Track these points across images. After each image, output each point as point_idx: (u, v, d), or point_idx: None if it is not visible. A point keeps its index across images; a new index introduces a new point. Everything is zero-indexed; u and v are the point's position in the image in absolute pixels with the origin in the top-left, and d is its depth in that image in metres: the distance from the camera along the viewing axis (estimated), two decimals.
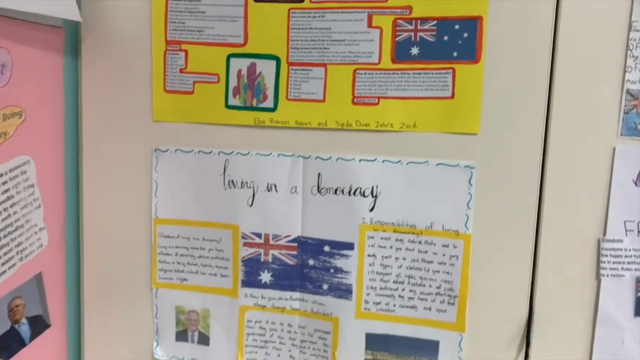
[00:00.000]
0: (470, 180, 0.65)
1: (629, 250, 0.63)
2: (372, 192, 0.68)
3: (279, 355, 0.74)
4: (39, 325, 0.69)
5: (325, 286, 0.71)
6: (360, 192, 0.68)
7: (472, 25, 0.63)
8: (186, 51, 0.71)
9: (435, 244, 0.67)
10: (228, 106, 0.71)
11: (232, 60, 0.70)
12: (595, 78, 0.61)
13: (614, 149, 0.61)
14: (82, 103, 0.75)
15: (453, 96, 0.64)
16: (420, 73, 0.65)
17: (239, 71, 0.70)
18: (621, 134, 0.61)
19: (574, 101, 0.61)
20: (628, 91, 0.60)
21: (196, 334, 0.76)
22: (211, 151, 0.72)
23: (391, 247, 0.68)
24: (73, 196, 0.77)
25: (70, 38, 0.74)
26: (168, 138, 0.73)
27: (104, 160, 0.75)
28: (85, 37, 0.74)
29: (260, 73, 0.70)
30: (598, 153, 0.62)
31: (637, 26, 0.59)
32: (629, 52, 0.59)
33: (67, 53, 0.74)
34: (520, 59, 0.62)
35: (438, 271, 0.68)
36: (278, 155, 0.70)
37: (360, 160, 0.68)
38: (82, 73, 0.74)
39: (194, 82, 0.72)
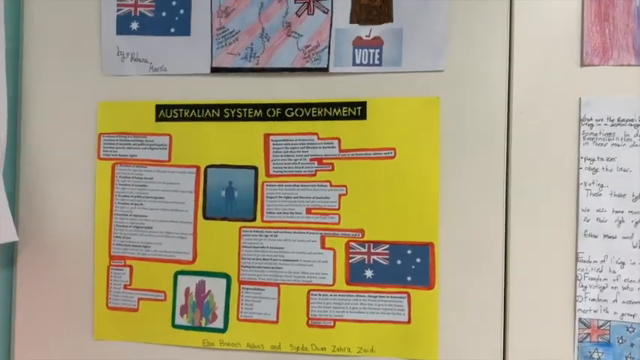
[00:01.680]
0: None
1: None
2: None
3: None
4: None
5: None
6: None
7: (424, 250, 0.63)
8: (131, 266, 0.68)
9: None
10: (175, 326, 0.67)
11: (180, 277, 0.67)
12: (547, 308, 0.61)
13: None
14: (14, 327, 0.69)
15: (409, 321, 0.63)
16: (375, 297, 0.64)
17: (187, 289, 0.67)
18: None
19: (528, 334, 0.61)
20: (580, 320, 0.60)
21: None
22: None
23: None
24: None
25: (5, 250, 0.69)
26: (111, 358, 0.68)
27: None
28: (22, 250, 0.69)
29: (209, 291, 0.67)
30: None
31: (583, 257, 0.60)
32: (578, 282, 0.60)
33: (1, 267, 0.69)
34: (474, 287, 0.62)
35: None
36: None
37: None
38: (16, 290, 0.69)
39: (139, 299, 0.68)
